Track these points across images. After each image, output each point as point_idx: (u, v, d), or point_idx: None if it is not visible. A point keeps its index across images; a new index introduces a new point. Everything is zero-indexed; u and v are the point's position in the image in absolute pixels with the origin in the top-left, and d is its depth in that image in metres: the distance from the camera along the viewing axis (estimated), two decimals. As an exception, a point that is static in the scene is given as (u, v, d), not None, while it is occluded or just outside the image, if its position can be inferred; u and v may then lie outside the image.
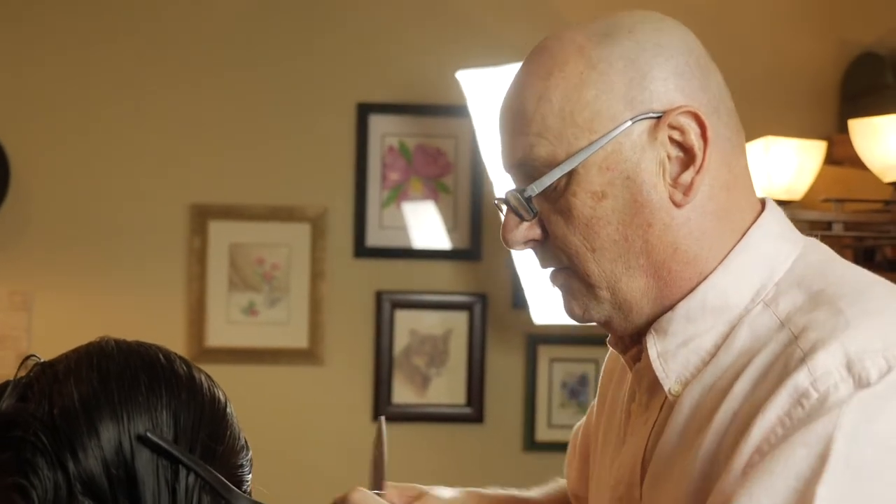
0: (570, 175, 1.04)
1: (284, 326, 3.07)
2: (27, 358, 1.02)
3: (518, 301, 3.08)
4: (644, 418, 1.10)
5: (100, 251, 3.07)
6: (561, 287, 1.10)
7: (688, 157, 1.04)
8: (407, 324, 3.15)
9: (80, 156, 3.07)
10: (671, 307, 1.06)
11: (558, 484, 1.44)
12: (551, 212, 1.06)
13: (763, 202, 1.11)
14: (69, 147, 3.07)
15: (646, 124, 1.04)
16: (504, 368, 3.18)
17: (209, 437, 1.01)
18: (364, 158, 3.14)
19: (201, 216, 3.09)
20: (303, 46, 3.12)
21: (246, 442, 1.06)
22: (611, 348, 1.17)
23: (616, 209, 1.04)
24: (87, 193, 3.07)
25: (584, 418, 1.41)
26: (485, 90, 2.71)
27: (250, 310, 3.07)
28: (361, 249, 3.14)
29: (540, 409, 3.18)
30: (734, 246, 1.06)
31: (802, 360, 0.96)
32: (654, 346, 1.06)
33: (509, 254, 2.88)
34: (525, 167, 1.07)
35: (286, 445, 2.93)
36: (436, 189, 3.16)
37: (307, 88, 3.13)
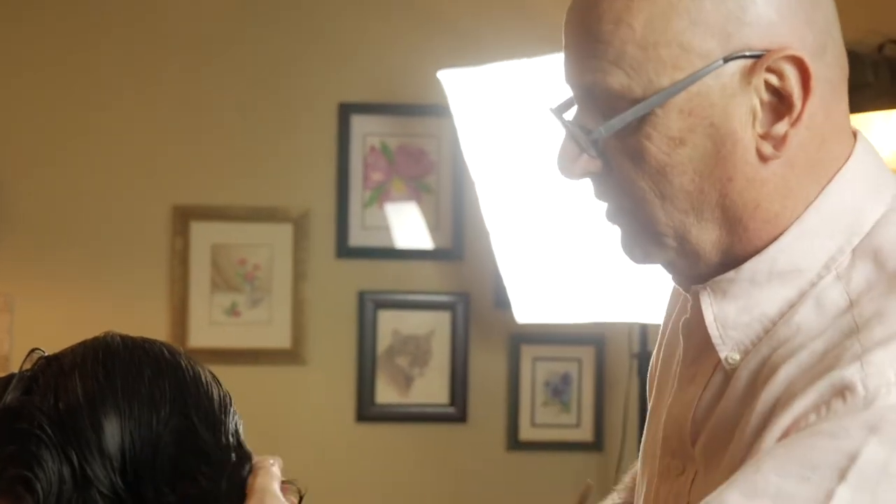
0: (646, 115, 0.92)
1: (267, 327, 3.07)
2: (32, 351, 1.03)
3: (501, 300, 3.08)
4: (691, 374, 1.03)
5: (82, 252, 3.05)
6: (619, 227, 1.01)
7: (784, 106, 0.93)
8: (390, 324, 3.14)
9: (62, 157, 3.06)
10: (740, 264, 0.97)
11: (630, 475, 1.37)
12: (618, 150, 0.96)
13: (855, 135, 1.00)
14: (51, 148, 3.06)
15: (739, 65, 0.92)
16: (487, 368, 3.18)
17: (212, 435, 1.01)
18: (346, 159, 3.14)
19: (183, 217, 3.08)
20: (284, 46, 3.12)
21: (248, 452, 1.06)
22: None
23: (694, 158, 0.93)
24: (69, 195, 3.06)
25: None
26: (466, 90, 2.72)
27: (233, 310, 3.06)
28: (344, 250, 3.14)
29: (523, 408, 3.17)
30: (813, 201, 0.96)
31: (858, 356, 0.87)
32: (709, 308, 0.98)
33: (492, 253, 2.88)
34: (593, 94, 0.95)
35: (268, 445, 2.89)
36: (418, 189, 3.16)
37: (289, 88, 3.12)
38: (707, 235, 0.96)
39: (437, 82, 2.81)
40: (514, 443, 3.16)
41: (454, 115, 2.78)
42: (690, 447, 1.03)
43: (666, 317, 1.18)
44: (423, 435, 3.14)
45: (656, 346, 1.21)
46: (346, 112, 3.14)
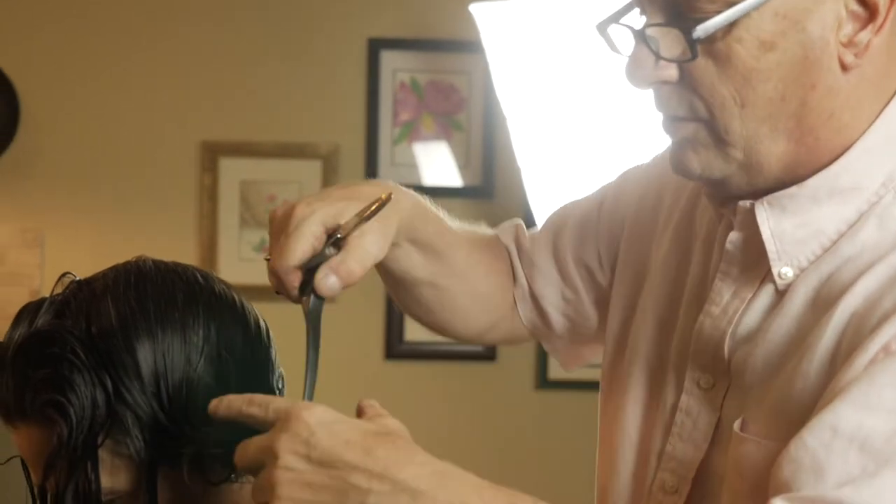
0: (740, 17, 0.91)
1: (296, 264, 3.05)
2: (63, 275, 1.01)
3: (531, 239, 3.05)
4: (732, 290, 1.02)
5: (111, 189, 3.05)
6: (683, 139, 0.99)
7: (868, 13, 0.92)
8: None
9: (90, 92, 3.05)
10: (800, 180, 0.97)
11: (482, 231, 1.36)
12: (703, 54, 0.93)
13: None
14: (79, 83, 3.04)
15: None
16: (516, 306, 3.15)
17: (246, 359, 1.00)
18: (375, 95, 3.11)
19: (212, 153, 3.06)
20: (313, -20, 3.08)
21: (281, 374, 1.05)
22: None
23: (782, 63, 0.92)
24: (98, 130, 3.05)
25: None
26: (499, 24, 2.67)
27: (262, 247, 3.06)
28: (373, 186, 3.11)
29: (553, 347, 3.15)
30: (877, 116, 0.96)
31: None
32: (766, 222, 0.98)
33: (522, 191, 2.85)
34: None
35: (297, 382, 2.91)
36: (448, 126, 3.13)
37: (318, 24, 3.08)
38: (776, 148, 0.96)
39: (469, 16, 2.76)
40: (543, 381, 3.15)
41: (486, 49, 2.73)
42: (724, 363, 1.02)
43: (635, 214, 1.20)
44: (451, 373, 3.13)
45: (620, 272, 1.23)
46: (375, 47, 3.10)
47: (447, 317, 1.30)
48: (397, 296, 1.29)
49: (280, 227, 1.00)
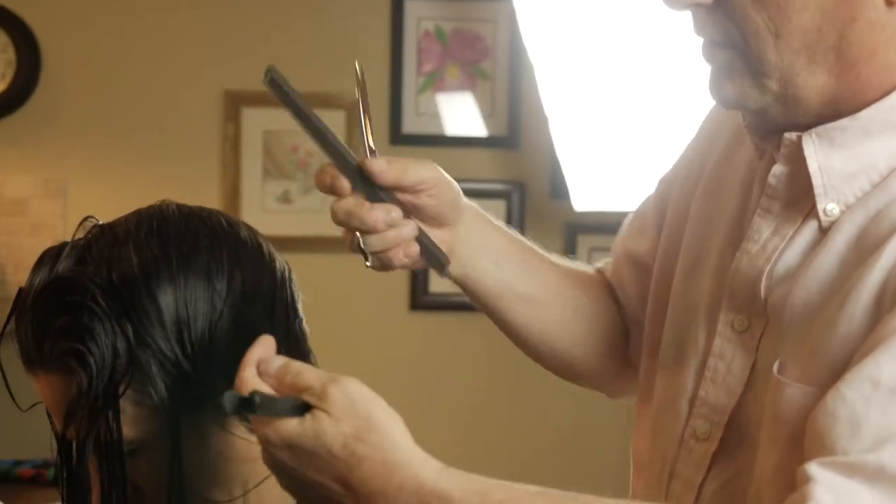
0: None
1: (319, 214, 3.03)
2: (85, 219, 0.98)
3: (557, 190, 3.02)
4: (772, 227, 1.00)
5: (134, 138, 3.03)
6: (720, 65, 0.97)
7: None
8: (444, 212, 3.09)
9: (112, 42, 3.01)
10: (842, 116, 0.94)
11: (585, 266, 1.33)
12: None
13: None
14: (101, 33, 3.01)
15: None
16: (542, 258, 3.13)
17: (270, 307, 0.97)
18: (399, 43, 3.06)
19: (234, 103, 3.03)
20: (336, -73, 3.03)
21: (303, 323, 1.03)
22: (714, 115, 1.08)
23: None
24: (120, 80, 3.02)
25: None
26: (525, -30, 2.63)
27: (285, 198, 3.03)
28: (397, 137, 3.08)
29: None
30: None
31: None
32: (813, 156, 0.95)
33: (549, 141, 2.81)
34: None
35: (321, 334, 2.89)
36: (473, 75, 3.09)
37: (341, -29, 3.04)
38: (814, 81, 0.93)
39: (494, -37, 2.72)
40: (569, 333, 3.13)
41: (512, -3, 2.69)
42: (761, 302, 1.00)
43: (703, 141, 1.16)
44: (477, 324, 3.07)
45: (653, 206, 1.21)
46: (399, -5, 3.06)
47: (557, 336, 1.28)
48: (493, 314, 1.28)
49: None
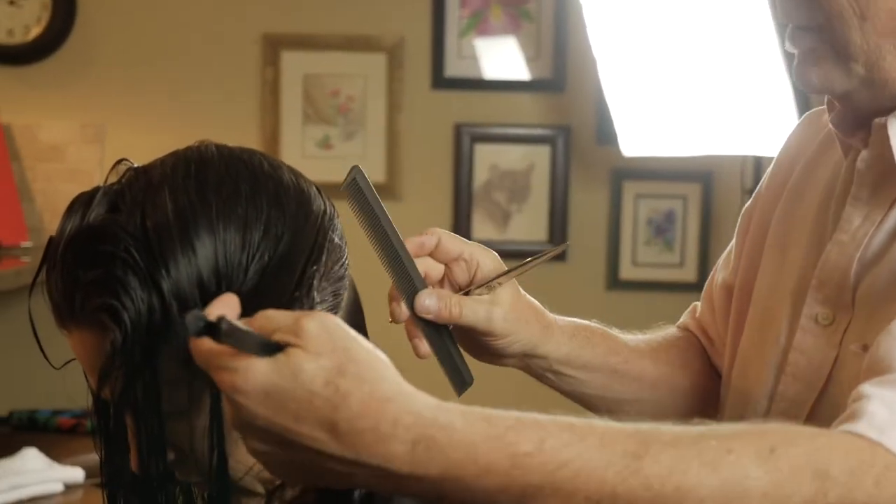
0: None
1: (361, 160, 2.96)
2: (119, 162, 0.92)
3: (603, 135, 2.95)
4: (863, 214, 0.99)
5: (171, 83, 2.99)
6: (805, 51, 0.96)
7: None
8: (487, 158, 3.04)
9: (148, -17, 2.97)
10: None
11: (664, 332, 1.32)
12: None
13: None
14: (136, -26, 2.96)
15: None
16: (587, 204, 3.07)
17: (316, 255, 0.90)
18: (442, -16, 2.99)
19: (274, 46, 2.97)
20: None
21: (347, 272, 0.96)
22: (793, 135, 1.07)
23: None
24: (157, 23, 2.97)
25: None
26: None
27: (325, 143, 2.98)
28: (440, 80, 3.01)
29: (624, 246, 3.08)
30: None
31: None
32: None
33: (595, 84, 2.73)
34: None
35: (362, 281, 2.85)
36: (517, 16, 3.01)
37: None
38: None
39: None
40: (615, 282, 3.08)
41: (558, -66, 2.60)
42: (849, 293, 0.98)
43: (783, 164, 1.14)
44: (520, 274, 3.06)
45: (754, 202, 1.19)
46: (442, -66, 2.98)
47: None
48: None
49: None
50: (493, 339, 1.08)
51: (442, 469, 0.73)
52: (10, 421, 2.60)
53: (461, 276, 1.09)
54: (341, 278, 0.94)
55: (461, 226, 3.03)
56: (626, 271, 3.08)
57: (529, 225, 3.06)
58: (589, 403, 1.20)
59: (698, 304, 1.32)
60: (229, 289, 0.85)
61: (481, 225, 3.05)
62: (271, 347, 0.74)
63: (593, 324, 1.20)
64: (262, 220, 0.87)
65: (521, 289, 1.12)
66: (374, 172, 2.98)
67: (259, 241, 0.87)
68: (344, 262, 0.95)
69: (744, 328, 1.12)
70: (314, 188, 0.95)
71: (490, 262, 1.10)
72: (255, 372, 0.73)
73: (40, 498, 2.14)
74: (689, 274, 3.07)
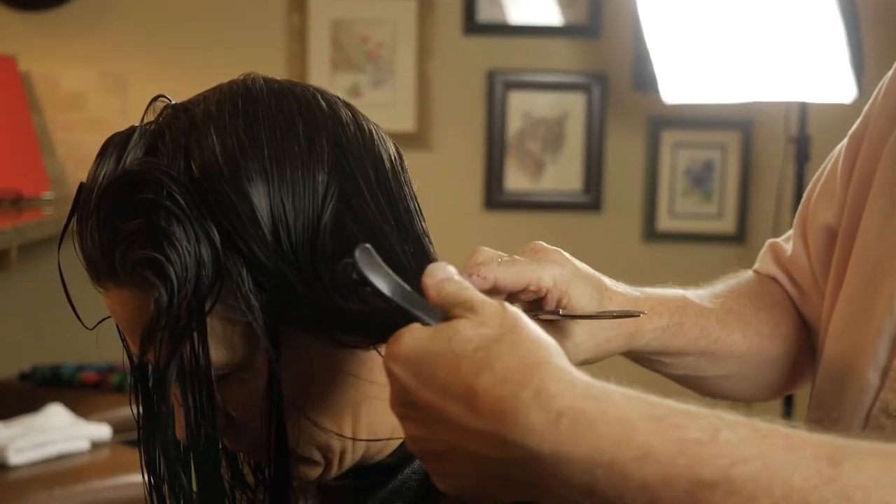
0: None
1: (391, 109, 2.91)
2: (155, 99, 0.82)
3: (641, 82, 2.86)
4: None
5: (195, 30, 2.91)
6: None
7: None
8: (520, 106, 2.96)
9: (171, -74, 2.88)
10: None
11: (745, 284, 1.15)
12: None
13: None
14: (158, -84, 2.88)
15: None
16: (624, 154, 2.99)
17: (383, 202, 0.80)
18: (474, -75, 2.90)
19: (300, -9, 2.90)
20: None
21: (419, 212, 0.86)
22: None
23: None
24: (180, -33, 2.90)
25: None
26: None
27: (354, 91, 2.90)
28: (472, 25, 2.92)
29: (661, 197, 3.00)
30: None
31: None
32: None
33: (632, 29, 2.64)
34: None
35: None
36: (552, -41, 2.91)
37: None
38: None
39: None
40: (651, 233, 3.00)
41: None
42: None
43: (873, 132, 1.00)
44: (554, 224, 2.99)
45: (844, 152, 1.03)
46: None
47: (738, 393, 1.09)
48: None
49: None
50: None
51: (591, 448, 0.61)
52: (33, 376, 2.56)
53: (546, 303, 0.88)
54: (419, 235, 0.84)
55: (494, 176, 2.96)
56: (663, 223, 3.00)
57: (564, 175, 2.98)
58: (670, 379, 1.08)
59: (778, 242, 1.12)
60: (290, 236, 0.76)
61: (515, 175, 2.98)
62: (440, 317, 0.68)
63: (683, 296, 1.01)
64: (326, 159, 0.78)
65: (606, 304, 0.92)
66: (404, 121, 2.91)
67: (327, 180, 0.77)
68: (421, 217, 0.85)
69: (842, 285, 0.98)
70: (376, 126, 0.85)
71: (579, 289, 0.88)
72: (411, 337, 0.66)
73: (67, 456, 2.10)
74: (727, 225, 2.99)
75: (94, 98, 2.83)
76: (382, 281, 0.69)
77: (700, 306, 0.99)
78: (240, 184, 0.75)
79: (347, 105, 0.83)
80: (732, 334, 1.01)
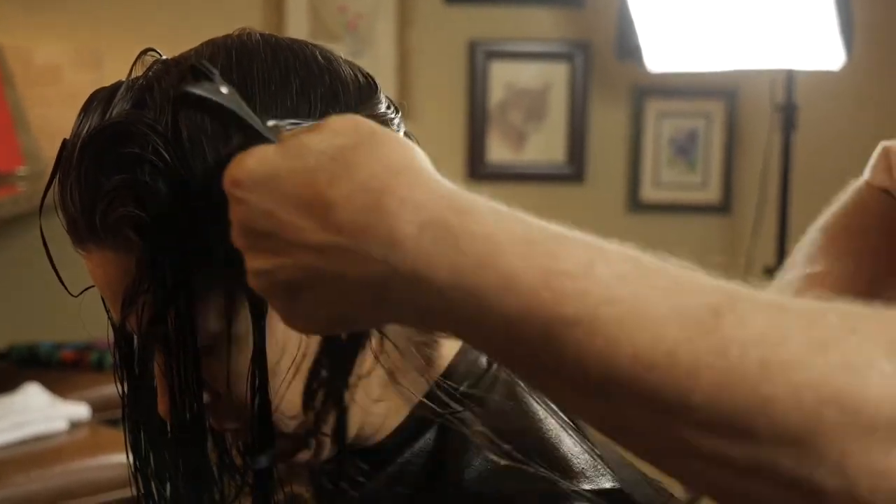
0: None
1: (370, 80, 2.87)
2: (144, 52, 0.78)
3: (624, 50, 2.82)
4: None
5: (171, 2, 2.88)
6: None
7: None
8: (502, 76, 2.92)
9: None
10: None
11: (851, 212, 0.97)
12: None
13: None
14: None
15: None
16: (607, 124, 2.96)
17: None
18: None
19: (277, -40, 2.85)
20: None
21: None
22: None
23: None
24: (154, -63, 2.85)
25: None
26: None
27: (333, 63, 2.87)
28: (452, -5, 2.89)
29: (645, 167, 2.97)
30: None
31: None
32: None
33: (616, -4, 2.60)
34: None
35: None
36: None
37: None
38: None
39: None
40: (635, 204, 2.98)
41: None
42: None
43: None
44: (537, 195, 2.97)
45: None
46: None
47: None
48: None
49: None
50: None
51: (451, 269, 0.54)
52: (9, 356, 2.52)
53: None
54: None
55: (476, 147, 2.93)
56: (647, 193, 2.98)
57: (547, 145, 2.95)
58: None
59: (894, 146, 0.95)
60: None
61: (497, 145, 2.95)
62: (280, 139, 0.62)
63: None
64: (315, 116, 0.74)
65: None
66: (384, 90, 2.87)
67: None
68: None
69: None
70: (375, 83, 0.82)
71: None
72: (255, 157, 0.60)
73: (44, 436, 2.07)
74: (712, 195, 2.97)
75: (69, 73, 2.79)
76: (219, 97, 0.63)
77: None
78: (229, 140, 0.69)
79: (350, 63, 0.79)
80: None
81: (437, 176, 0.58)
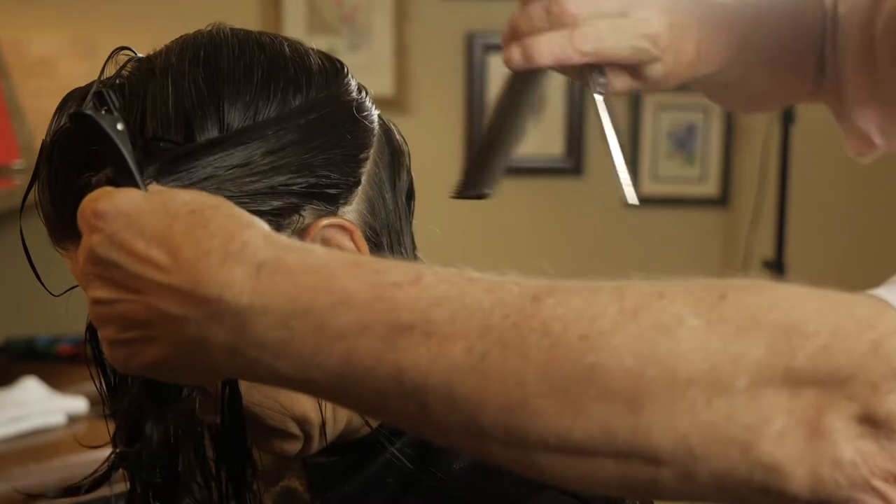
0: None
1: (367, 73, 2.86)
2: (117, 51, 0.81)
3: (622, 43, 2.82)
4: None
5: (166, -7, 2.87)
6: None
7: None
8: (500, 69, 2.88)
9: None
10: None
11: None
12: None
13: None
14: None
15: None
16: (606, 117, 2.95)
17: (351, 158, 0.78)
18: None
19: (274, -48, 2.85)
20: None
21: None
22: None
23: None
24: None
25: None
26: None
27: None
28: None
29: (644, 160, 2.97)
30: None
31: None
32: None
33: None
34: None
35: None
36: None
37: None
38: None
39: None
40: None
41: None
42: None
43: None
44: (535, 189, 2.97)
45: None
46: None
47: None
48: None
49: None
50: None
51: (288, 297, 0.58)
52: (6, 350, 2.52)
53: None
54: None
55: (473, 141, 2.92)
56: (646, 186, 2.98)
57: (545, 138, 2.95)
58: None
59: None
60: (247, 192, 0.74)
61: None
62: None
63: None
64: (274, 105, 0.75)
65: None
66: (382, 85, 2.88)
67: (282, 139, 0.74)
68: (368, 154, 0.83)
69: None
70: (343, 67, 0.83)
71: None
72: (124, 195, 0.65)
73: (42, 430, 2.07)
74: (711, 189, 2.97)
75: (65, 64, 2.79)
76: (112, 130, 0.69)
77: None
78: (192, 135, 0.73)
79: (323, 54, 0.81)
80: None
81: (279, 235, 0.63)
